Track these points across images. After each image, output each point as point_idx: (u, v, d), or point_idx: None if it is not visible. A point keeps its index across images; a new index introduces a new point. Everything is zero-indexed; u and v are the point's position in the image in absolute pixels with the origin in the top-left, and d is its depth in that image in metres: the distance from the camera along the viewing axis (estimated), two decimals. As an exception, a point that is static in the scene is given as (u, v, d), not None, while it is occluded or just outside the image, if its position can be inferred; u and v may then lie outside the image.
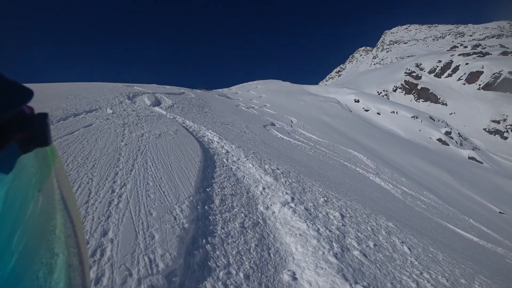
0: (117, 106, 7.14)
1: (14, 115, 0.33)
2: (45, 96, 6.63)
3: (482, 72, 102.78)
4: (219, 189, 3.62)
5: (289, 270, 2.42)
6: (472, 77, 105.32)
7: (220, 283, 1.97)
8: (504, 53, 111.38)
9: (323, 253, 2.71)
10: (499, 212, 16.00)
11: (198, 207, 2.91)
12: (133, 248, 1.90)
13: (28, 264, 0.36)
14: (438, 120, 59.34)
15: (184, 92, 16.26)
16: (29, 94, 0.35)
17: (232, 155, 5.46)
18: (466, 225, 8.51)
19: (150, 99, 9.81)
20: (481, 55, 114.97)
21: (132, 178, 3.03)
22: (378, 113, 54.80)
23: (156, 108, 8.79)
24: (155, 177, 3.21)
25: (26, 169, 0.36)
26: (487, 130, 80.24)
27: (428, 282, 2.86)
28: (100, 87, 10.42)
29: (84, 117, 5.21)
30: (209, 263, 2.14)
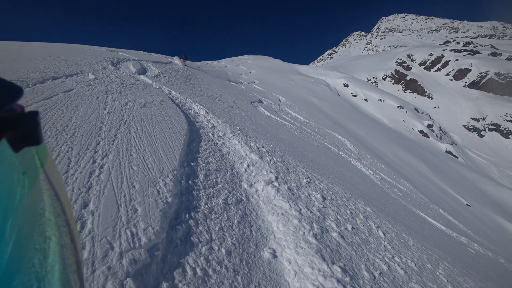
0: (99, 72, 6.79)
1: (4, 114, 0.32)
2: (20, 56, 6.19)
3: (470, 70, 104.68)
4: (203, 164, 3.59)
5: (269, 248, 2.47)
6: (460, 74, 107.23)
7: (202, 258, 1.99)
8: (493, 54, 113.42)
9: (304, 233, 2.78)
10: (467, 204, 17.01)
11: (182, 181, 2.88)
12: (114, 221, 1.86)
13: (23, 252, 0.35)
14: (422, 113, 60.91)
15: (171, 62, 15.69)
16: (19, 92, 0.34)
17: (218, 130, 5.40)
18: (435, 214, 9.01)
19: (136, 67, 9.40)
20: (472, 53, 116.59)
21: (114, 148, 2.93)
22: (366, 100, 55.44)
23: (142, 77, 8.45)
24: (138, 149, 3.12)
25: (8, 152, 0.34)
26: (466, 126, 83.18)
27: (398, 265, 3.02)
28: (82, 50, 9.84)
29: (63, 81, 4.92)
30: (192, 238, 2.14)
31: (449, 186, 19.09)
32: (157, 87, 7.61)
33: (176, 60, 16.72)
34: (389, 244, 3.48)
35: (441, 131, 56.51)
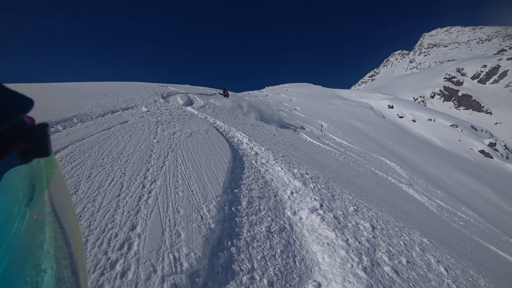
0: (151, 105, 7.42)
1: (15, 125, 0.32)
2: (86, 94, 7.05)
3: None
4: (246, 191, 3.60)
5: (314, 281, 2.31)
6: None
7: (243, 287, 1.92)
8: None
9: (352, 265, 2.57)
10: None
11: (225, 208, 2.90)
12: (159, 244, 1.92)
13: (10, 285, 0.35)
14: (481, 130, 55.22)
15: (215, 93, 16.59)
16: (29, 104, 0.34)
17: (261, 157, 5.43)
18: (511, 248, 7.75)
19: (183, 99, 10.12)
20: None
21: (162, 175, 3.09)
22: (414, 120, 52.18)
23: (188, 108, 9.03)
24: (184, 175, 3.25)
25: (13, 184, 0.34)
26: (538, 143, 72.87)
27: (468, 308, 2.61)
28: (137, 87, 10.92)
29: (120, 114, 5.46)
30: (233, 266, 2.10)
31: (524, 215, 16.49)
32: (203, 117, 8.04)
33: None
34: (453, 282, 3.04)
35: (507, 150, 50.33)
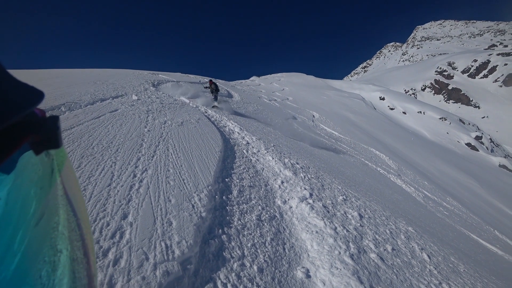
0: (142, 93, 7.31)
1: (26, 118, 0.32)
2: (75, 81, 6.89)
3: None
4: (237, 180, 3.63)
5: (303, 267, 2.38)
6: (510, 80, 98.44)
7: (233, 274, 1.97)
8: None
9: (339, 253, 2.65)
10: (529, 224, 15.05)
11: (216, 196, 2.93)
12: (151, 233, 1.94)
13: (30, 264, 0.36)
14: (469, 124, 56.44)
15: (207, 82, 16.42)
16: (40, 96, 0.35)
17: (252, 147, 5.45)
18: (490, 237, 8.08)
19: (174, 87, 9.98)
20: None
21: (153, 164, 3.09)
22: (404, 112, 52.89)
23: (180, 96, 8.92)
24: (175, 164, 3.26)
25: (28, 167, 0.35)
26: (522, 136, 75.23)
27: (447, 292, 2.74)
28: (127, 74, 10.71)
29: (110, 102, 5.38)
30: (224, 254, 2.15)
31: (505, 205, 17.15)
32: (194, 106, 7.98)
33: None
34: (435, 268, 3.17)
35: (492, 143, 51.68)
